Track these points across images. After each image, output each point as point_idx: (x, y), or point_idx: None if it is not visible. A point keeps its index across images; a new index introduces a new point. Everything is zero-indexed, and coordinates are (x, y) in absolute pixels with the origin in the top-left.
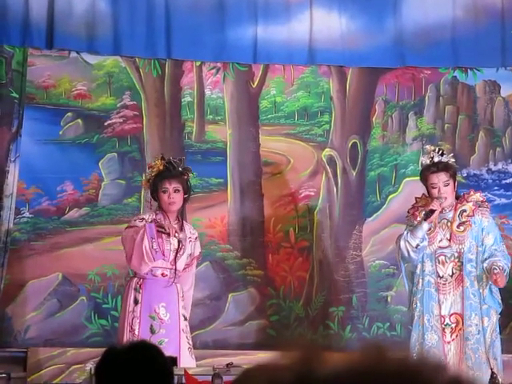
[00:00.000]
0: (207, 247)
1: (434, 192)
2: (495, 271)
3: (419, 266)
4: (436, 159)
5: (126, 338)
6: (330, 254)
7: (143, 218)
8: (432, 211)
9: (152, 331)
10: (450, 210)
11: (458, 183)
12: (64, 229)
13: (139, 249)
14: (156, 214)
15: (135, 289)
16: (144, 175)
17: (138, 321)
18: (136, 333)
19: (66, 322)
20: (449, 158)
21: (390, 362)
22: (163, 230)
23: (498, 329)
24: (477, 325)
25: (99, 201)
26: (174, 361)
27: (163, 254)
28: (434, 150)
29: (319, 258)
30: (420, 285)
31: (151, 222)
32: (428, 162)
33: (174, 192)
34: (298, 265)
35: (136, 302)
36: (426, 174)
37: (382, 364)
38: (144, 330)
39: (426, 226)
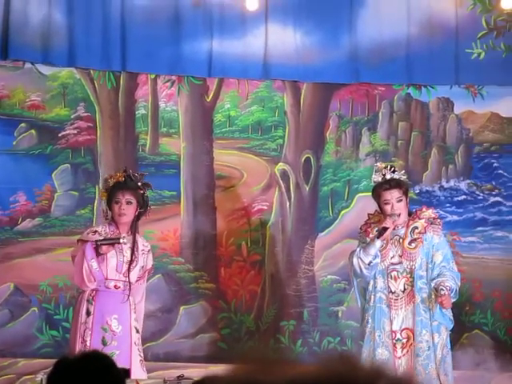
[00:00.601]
0: (159, 260)
1: (387, 208)
2: (442, 292)
3: (371, 283)
4: (388, 176)
5: (78, 349)
6: (281, 268)
7: (96, 231)
8: (385, 229)
9: (104, 343)
10: (402, 227)
11: (409, 200)
12: (16, 239)
13: (79, 269)
14: (109, 226)
15: (88, 300)
16: (101, 185)
17: (90, 332)
18: (88, 344)
19: (18, 332)
20: (400, 175)
21: (331, 372)
22: (111, 242)
23: (448, 345)
24: (427, 341)
25: (52, 212)
26: (126, 372)
27: (104, 273)
28: (385, 167)
29: (271, 272)
30: (372, 301)
31: (95, 239)
32: (380, 179)
33: (127, 204)
34: (250, 278)
35: (88, 313)
36: (378, 191)
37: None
38: (96, 342)
39: (378, 243)
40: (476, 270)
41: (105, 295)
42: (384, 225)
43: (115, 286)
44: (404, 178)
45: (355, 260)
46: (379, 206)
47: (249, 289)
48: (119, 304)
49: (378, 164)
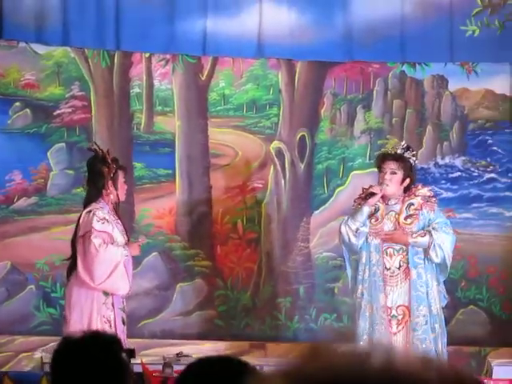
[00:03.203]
0: (155, 237)
1: (381, 176)
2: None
3: (365, 255)
4: (399, 151)
5: (99, 327)
6: (277, 245)
7: (104, 219)
8: (372, 194)
9: (123, 322)
10: (396, 203)
11: (411, 182)
12: (12, 218)
13: (115, 270)
14: (105, 207)
15: None
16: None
17: (112, 313)
18: (112, 324)
19: (15, 310)
20: (410, 156)
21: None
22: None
23: (443, 321)
24: (424, 315)
25: (47, 190)
26: (132, 352)
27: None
28: (401, 145)
29: (267, 250)
30: (367, 274)
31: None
32: (390, 151)
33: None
34: (246, 256)
35: (106, 294)
36: (379, 158)
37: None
38: (119, 322)
39: (366, 209)
40: (471, 246)
41: None
42: (372, 190)
43: None
44: (413, 159)
45: (343, 228)
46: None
47: (245, 266)
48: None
49: (401, 142)
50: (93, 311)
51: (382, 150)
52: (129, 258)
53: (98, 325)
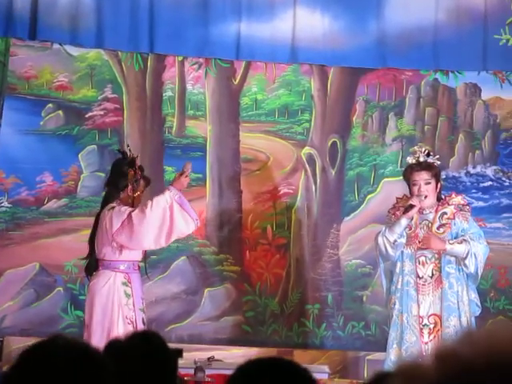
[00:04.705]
0: (184, 242)
1: (415, 189)
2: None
3: (399, 265)
4: (421, 159)
5: (124, 330)
6: (306, 252)
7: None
8: (411, 206)
9: (144, 323)
10: (430, 212)
11: (441, 186)
12: (42, 219)
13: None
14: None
15: (123, 283)
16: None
17: (133, 314)
18: (135, 326)
19: (43, 312)
20: (434, 160)
21: None
22: None
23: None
24: (455, 326)
25: (78, 192)
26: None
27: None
28: (420, 150)
29: (296, 256)
30: (399, 284)
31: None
32: (413, 161)
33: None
34: (275, 262)
35: (127, 295)
36: (408, 171)
37: None
38: (139, 323)
39: (404, 221)
40: (501, 256)
41: (135, 277)
42: (411, 202)
43: (138, 267)
44: (437, 163)
45: (380, 239)
46: (409, 187)
47: (274, 272)
48: (141, 285)
49: (415, 148)
50: (114, 313)
51: (406, 161)
52: (180, 196)
53: (121, 326)
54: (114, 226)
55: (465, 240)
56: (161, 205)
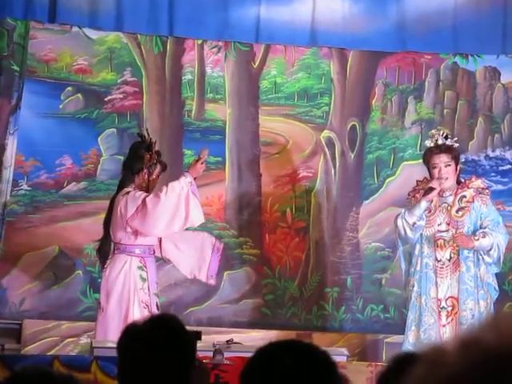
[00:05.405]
0: (204, 225)
1: (435, 172)
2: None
3: (418, 247)
4: (440, 141)
5: (140, 314)
6: (326, 235)
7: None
8: (431, 189)
9: (158, 308)
10: (450, 195)
11: (460, 169)
12: (62, 202)
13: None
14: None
15: (139, 267)
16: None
17: (149, 298)
18: (150, 310)
19: (62, 295)
20: (452, 142)
21: None
22: None
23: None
24: (471, 309)
25: (97, 176)
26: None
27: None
28: (438, 133)
29: (315, 239)
30: (418, 266)
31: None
32: (432, 144)
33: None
34: (295, 245)
35: (143, 279)
36: (428, 155)
37: None
38: (154, 307)
39: (424, 204)
40: None
41: (151, 261)
42: (431, 185)
43: (154, 252)
44: (456, 145)
45: (399, 221)
46: (428, 170)
47: (293, 255)
48: (155, 269)
49: (433, 131)
50: (130, 297)
51: (427, 145)
52: (193, 184)
53: (136, 311)
54: (128, 212)
55: (486, 233)
56: (176, 191)
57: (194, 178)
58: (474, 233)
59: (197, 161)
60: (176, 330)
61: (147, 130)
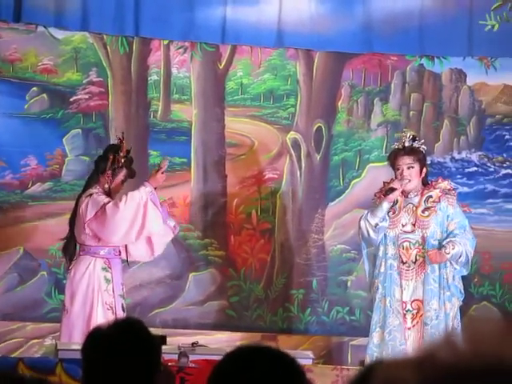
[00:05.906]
0: None
1: (398, 174)
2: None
3: (382, 249)
4: (406, 144)
5: (104, 316)
6: (291, 236)
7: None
8: (392, 189)
9: (123, 310)
10: (415, 195)
11: (426, 171)
12: (26, 203)
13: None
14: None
15: (103, 268)
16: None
17: (113, 300)
18: (115, 312)
19: (26, 296)
20: (419, 144)
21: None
22: None
23: (459, 316)
24: (435, 310)
25: (62, 176)
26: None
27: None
28: (405, 136)
29: (281, 241)
30: (382, 267)
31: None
32: (399, 146)
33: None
34: (260, 247)
35: (108, 281)
36: (392, 156)
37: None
38: (119, 309)
39: (385, 204)
40: (485, 241)
41: (116, 262)
42: (392, 185)
43: (119, 253)
44: (423, 147)
45: (362, 222)
46: (394, 172)
47: (258, 257)
48: (121, 270)
49: (401, 133)
50: (94, 299)
51: (392, 147)
52: (153, 193)
53: (100, 312)
54: (88, 214)
55: (455, 243)
56: (136, 200)
57: (155, 188)
58: (440, 243)
59: (157, 171)
60: (141, 335)
61: (123, 133)
